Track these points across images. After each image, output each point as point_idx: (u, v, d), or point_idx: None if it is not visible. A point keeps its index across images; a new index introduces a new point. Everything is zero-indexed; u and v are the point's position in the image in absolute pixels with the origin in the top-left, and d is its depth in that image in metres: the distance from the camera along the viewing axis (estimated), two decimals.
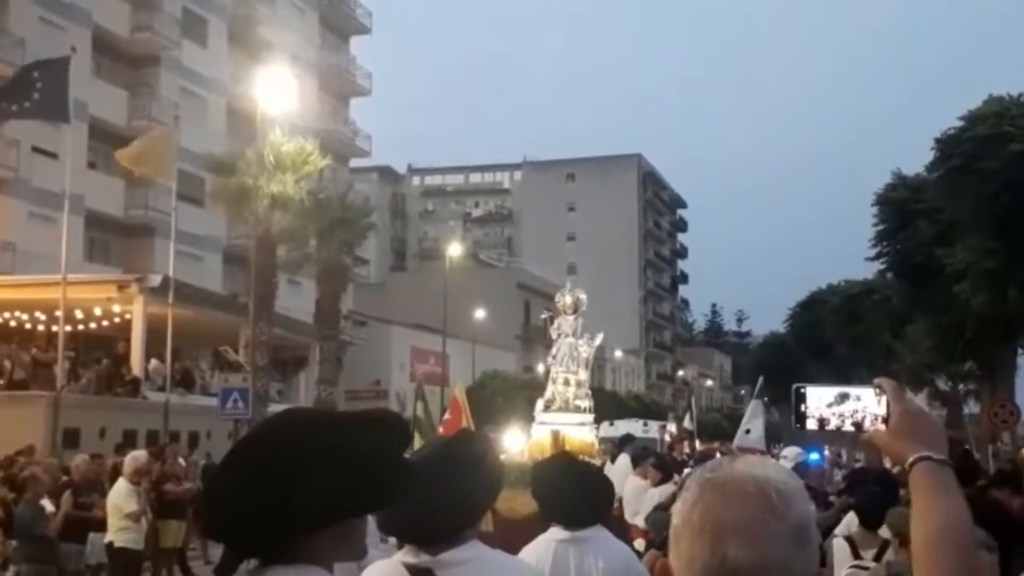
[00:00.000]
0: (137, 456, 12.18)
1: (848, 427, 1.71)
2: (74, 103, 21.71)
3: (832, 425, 1.72)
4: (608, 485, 4.20)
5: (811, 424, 1.73)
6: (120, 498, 11.47)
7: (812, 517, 1.44)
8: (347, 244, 32.55)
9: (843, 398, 1.72)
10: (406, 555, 2.61)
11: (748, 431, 12.99)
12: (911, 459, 1.62)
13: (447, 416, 13.42)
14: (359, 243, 34.63)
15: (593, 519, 3.88)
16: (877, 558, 5.01)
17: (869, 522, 5.47)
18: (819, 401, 1.74)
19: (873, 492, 5.84)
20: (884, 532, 5.30)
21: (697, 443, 21.46)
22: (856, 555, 5.12)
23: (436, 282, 46.49)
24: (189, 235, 32.34)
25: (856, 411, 1.72)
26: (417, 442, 10.31)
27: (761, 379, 13.70)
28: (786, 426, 55.31)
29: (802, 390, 1.75)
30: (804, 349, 56.09)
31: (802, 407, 1.74)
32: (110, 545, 11.48)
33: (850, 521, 6.30)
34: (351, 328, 43.70)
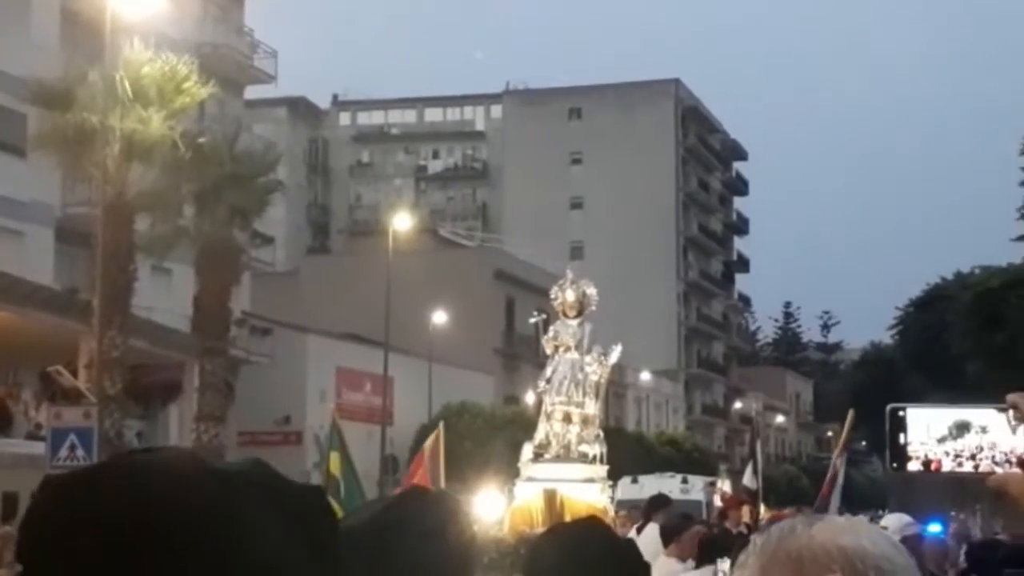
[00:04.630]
0: None
1: (966, 468, 1.72)
2: None
3: (946, 468, 1.74)
4: (639, 568, 4.20)
5: (914, 465, 1.75)
6: None
7: None
8: (241, 213, 32.44)
9: (961, 428, 1.73)
10: None
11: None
12: None
13: (421, 468, 13.52)
14: (259, 212, 34.49)
15: None
16: None
17: None
18: (926, 432, 1.75)
19: None
20: None
21: (762, 508, 21.54)
22: None
23: (375, 270, 46.44)
24: (3, 200, 32.18)
25: (981, 447, 1.73)
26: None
27: (851, 415, 13.67)
28: (896, 486, 55.58)
29: (901, 413, 1.77)
30: (920, 369, 56.48)
31: (900, 438, 1.75)
32: None
33: None
34: (247, 338, 43.59)
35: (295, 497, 1.53)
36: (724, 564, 10.59)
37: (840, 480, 12.96)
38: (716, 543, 11.32)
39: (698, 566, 10.63)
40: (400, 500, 2.96)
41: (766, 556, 1.44)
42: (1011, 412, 1.72)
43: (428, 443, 14.12)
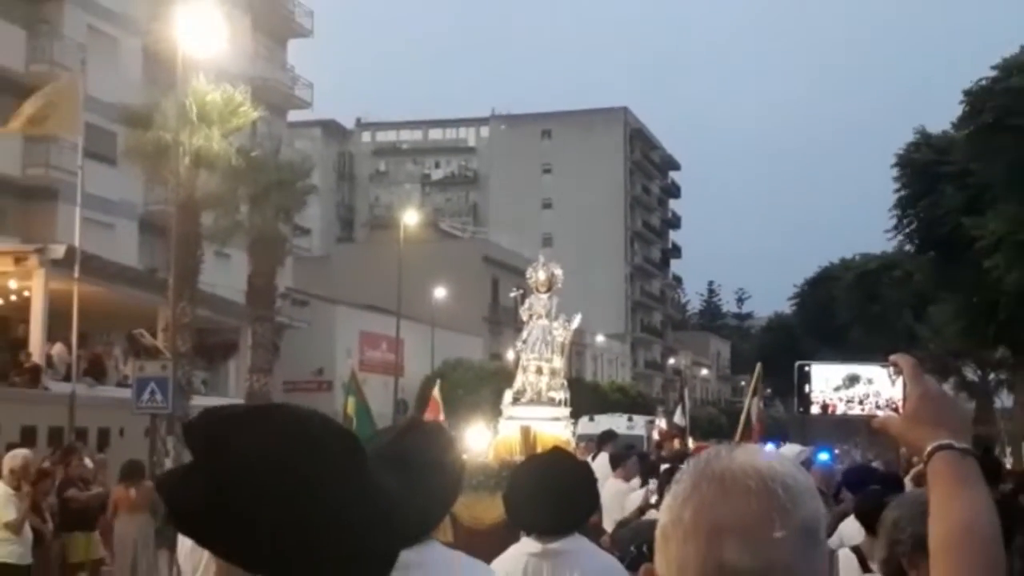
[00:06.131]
0: (16, 454, 11.92)
1: (855, 411, 1.73)
2: None
3: (840, 411, 1.75)
4: (589, 487, 4.17)
5: (815, 409, 1.76)
6: None
7: (823, 517, 1.44)
8: (284, 210, 32.39)
9: (852, 380, 1.75)
10: None
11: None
12: (930, 447, 1.64)
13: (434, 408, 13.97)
14: (299, 209, 34.48)
15: (568, 528, 3.84)
16: None
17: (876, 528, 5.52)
18: (825, 383, 1.76)
19: (875, 492, 5.90)
20: None
21: (690, 441, 21.62)
22: (866, 568, 5.14)
23: (389, 255, 46.38)
24: (98, 199, 31.99)
25: (867, 395, 1.74)
26: None
27: (759, 368, 13.70)
28: (794, 423, 55.94)
29: (806, 368, 1.78)
30: (813, 333, 56.64)
31: (806, 388, 1.76)
32: None
33: (845, 531, 6.36)
34: (289, 308, 43.53)
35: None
36: (652, 484, 10.71)
37: (763, 419, 13.06)
38: (655, 466, 11.48)
39: (643, 484, 10.80)
40: (402, 433, 2.89)
41: (697, 474, 1.43)
42: (891, 368, 1.74)
43: (435, 391, 14.68)
